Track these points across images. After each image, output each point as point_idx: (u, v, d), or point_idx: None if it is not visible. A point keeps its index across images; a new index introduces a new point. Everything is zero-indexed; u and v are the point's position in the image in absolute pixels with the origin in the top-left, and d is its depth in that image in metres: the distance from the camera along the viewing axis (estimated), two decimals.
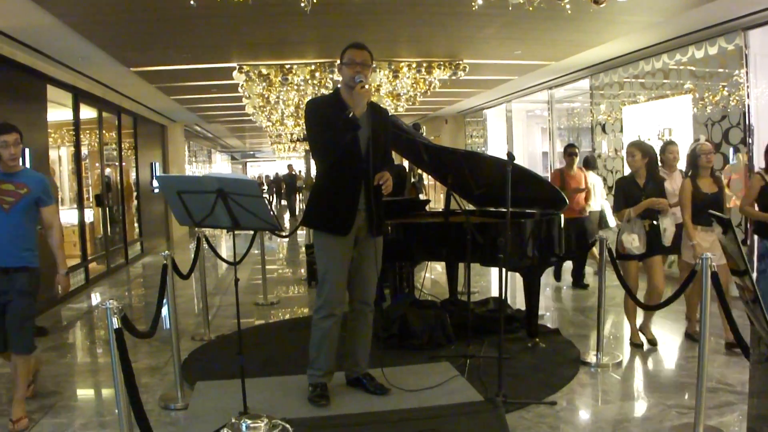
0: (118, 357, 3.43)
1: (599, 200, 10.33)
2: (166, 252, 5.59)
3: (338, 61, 5.04)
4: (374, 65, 10.67)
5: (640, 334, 6.77)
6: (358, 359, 5.24)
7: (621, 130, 11.83)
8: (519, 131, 18.08)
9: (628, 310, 6.72)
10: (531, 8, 6.22)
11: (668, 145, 7.42)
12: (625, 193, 6.49)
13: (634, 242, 6.24)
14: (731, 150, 8.97)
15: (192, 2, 5.74)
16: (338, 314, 4.96)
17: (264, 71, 10.76)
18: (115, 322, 3.47)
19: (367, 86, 4.79)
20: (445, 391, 5.22)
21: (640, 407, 5.13)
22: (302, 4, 5.78)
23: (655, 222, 6.39)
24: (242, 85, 11.40)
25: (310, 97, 12.08)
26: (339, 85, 5.09)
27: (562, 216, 6.97)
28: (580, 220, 9.49)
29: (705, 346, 4.35)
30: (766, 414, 3.41)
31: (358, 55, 4.83)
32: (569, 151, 9.65)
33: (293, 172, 30.72)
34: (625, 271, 6.41)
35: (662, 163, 7.19)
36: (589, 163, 10.55)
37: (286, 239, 18.33)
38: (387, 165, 5.01)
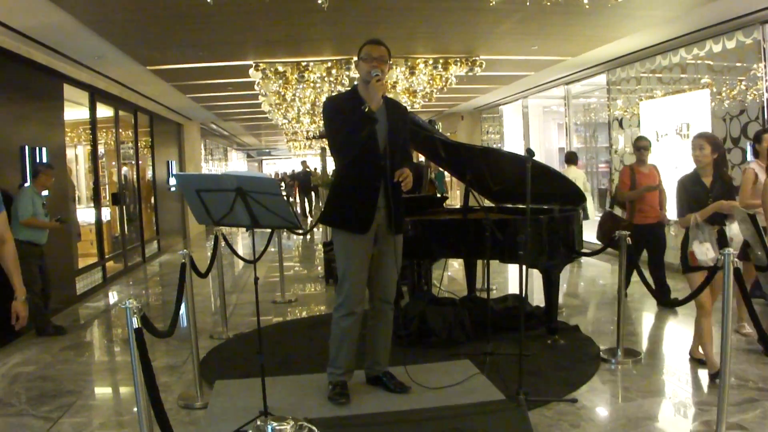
0: (138, 357, 3.41)
1: None
2: (185, 250, 5.58)
3: (355, 58, 5.03)
4: (391, 62, 10.72)
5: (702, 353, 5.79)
6: (378, 357, 5.23)
7: (638, 126, 11.74)
8: (535, 127, 18.00)
9: (702, 331, 5.63)
10: (548, 3, 6.17)
11: (765, 134, 6.67)
12: (689, 195, 5.50)
13: (708, 253, 5.25)
14: (749, 145, 8.89)
15: (209, 0, 5.72)
16: (358, 312, 4.95)
17: (280, 69, 10.75)
18: (135, 322, 3.46)
19: (382, 80, 4.77)
20: (466, 389, 5.20)
21: (662, 404, 5.09)
22: (319, 1, 5.76)
23: (723, 227, 5.50)
24: (258, 82, 11.40)
25: (326, 95, 12.14)
26: (356, 82, 5.07)
27: (581, 212, 6.94)
28: (656, 228, 8.06)
29: (728, 342, 4.31)
30: None
31: (375, 50, 4.82)
32: (639, 145, 8.19)
33: (308, 169, 29.34)
34: (693, 285, 5.42)
35: (756, 154, 6.73)
36: (570, 159, 11.01)
37: (302, 237, 18.38)
38: (406, 162, 4.99)
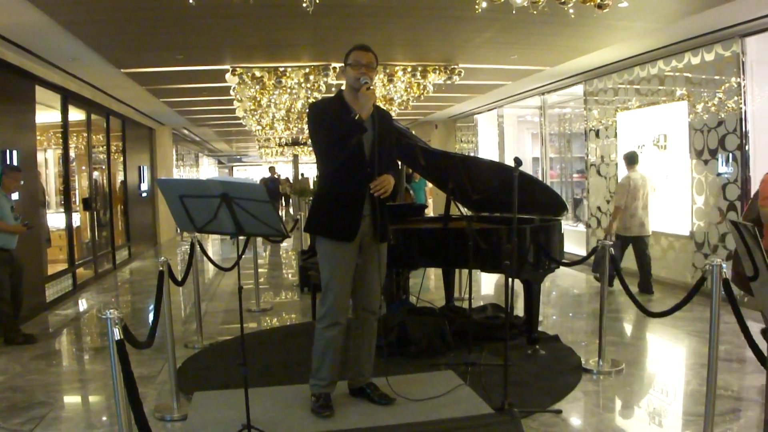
0: (120, 370, 3.29)
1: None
2: (163, 258, 5.47)
3: (339, 64, 4.96)
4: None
5: None
6: (362, 368, 5.13)
7: (615, 136, 11.77)
8: (510, 137, 18.02)
9: None
10: (534, 12, 6.13)
11: None
12: None
13: None
14: (720, 157, 8.95)
15: (191, 1, 5.61)
16: (342, 323, 4.85)
17: (257, 73, 10.65)
18: (117, 333, 3.34)
19: (372, 88, 4.70)
20: (451, 400, 5.11)
21: (648, 415, 5.05)
22: (304, 5, 5.67)
23: None
24: (234, 87, 11.29)
25: (301, 101, 12.07)
26: (342, 88, 5.00)
27: (562, 222, 6.91)
28: None
29: (715, 352, 4.27)
30: None
31: (364, 56, 4.74)
32: None
33: (275, 176, 28.10)
34: None
35: None
36: (633, 160, 9.84)
37: (275, 245, 18.24)
38: (392, 170, 4.92)
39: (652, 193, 9.87)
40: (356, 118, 4.58)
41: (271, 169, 28.16)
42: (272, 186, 26.07)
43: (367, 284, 4.98)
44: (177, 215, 4.19)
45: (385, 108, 12.51)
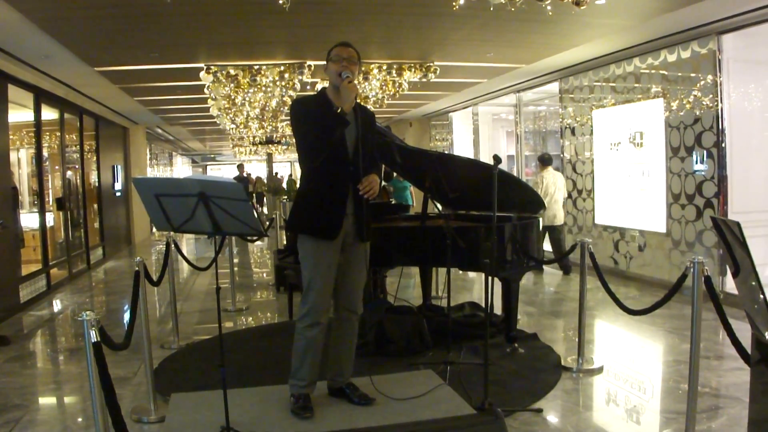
0: (97, 372, 3.23)
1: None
2: (139, 258, 5.39)
3: (315, 62, 4.94)
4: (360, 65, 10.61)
5: None
6: (342, 369, 5.08)
7: (591, 134, 11.80)
8: (485, 135, 18.04)
9: None
10: (512, 9, 6.12)
11: None
12: None
13: None
14: (694, 154, 8.99)
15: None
16: (324, 323, 4.81)
17: (232, 72, 10.58)
18: (94, 335, 3.28)
19: (353, 82, 4.67)
20: (432, 400, 5.08)
21: (628, 413, 5.04)
22: (280, 2, 5.62)
23: None
24: (209, 86, 11.20)
25: (276, 99, 12.01)
26: (325, 85, 4.98)
27: (540, 220, 6.90)
28: None
29: (697, 349, 4.28)
30: (766, 418, 3.32)
31: (344, 51, 4.74)
32: None
33: (244, 174, 26.26)
34: None
35: None
36: (547, 161, 11.59)
37: (250, 243, 18.15)
38: (375, 168, 4.88)
39: (562, 189, 11.72)
40: (338, 111, 4.57)
41: (240, 167, 26.32)
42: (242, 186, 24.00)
43: (349, 283, 4.94)
44: (154, 215, 4.12)
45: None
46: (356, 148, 4.74)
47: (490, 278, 5.40)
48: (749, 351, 3.62)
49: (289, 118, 5.34)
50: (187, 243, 19.56)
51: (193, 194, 3.90)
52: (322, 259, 4.73)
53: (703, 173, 8.98)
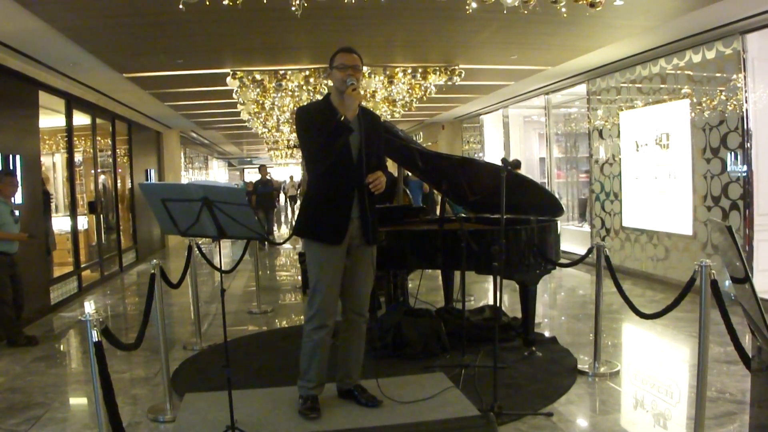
0: (98, 371, 3.31)
1: None
2: (155, 261, 5.48)
3: (328, 67, 4.97)
4: (369, 70, 10.66)
5: None
6: (350, 371, 5.13)
7: (618, 136, 11.74)
8: (516, 137, 17.97)
9: None
10: (525, 12, 6.13)
11: None
12: None
13: None
14: (730, 155, 8.89)
15: (181, 6, 5.63)
16: (330, 325, 4.85)
17: (258, 77, 10.67)
18: (95, 335, 3.36)
19: (358, 89, 4.71)
20: (439, 402, 5.11)
21: (639, 417, 5.03)
22: (293, 8, 5.69)
23: None
24: (236, 91, 11.32)
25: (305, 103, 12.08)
26: (329, 91, 5.02)
27: (558, 222, 6.88)
28: None
29: (705, 355, 4.26)
30: (766, 424, 3.31)
31: (349, 59, 4.76)
32: None
33: (266, 177, 19.82)
34: None
35: None
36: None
37: (280, 247, 18.25)
38: (381, 169, 4.92)
39: None
40: (341, 119, 4.60)
41: (262, 169, 20.21)
42: (263, 190, 18.92)
43: (356, 287, 4.98)
44: (161, 219, 4.22)
45: (388, 109, 12.63)
46: (360, 153, 4.77)
47: (501, 280, 5.40)
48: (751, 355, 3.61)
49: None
50: (224, 246, 19.66)
51: (197, 199, 3.97)
52: (328, 263, 4.79)
53: (738, 174, 8.86)
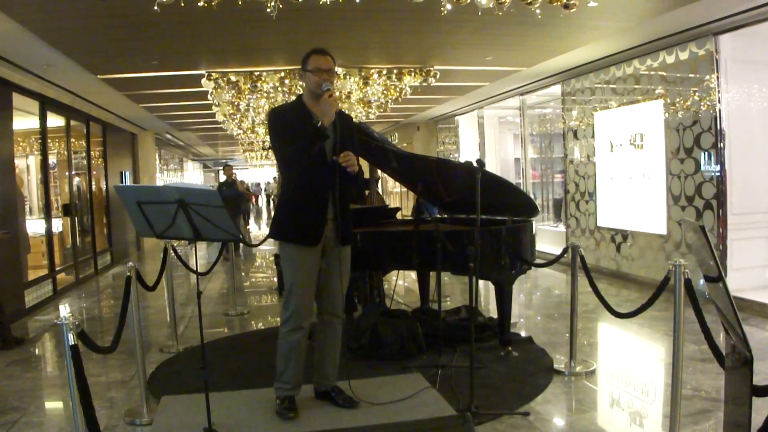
0: (74, 374, 3.30)
1: None
2: (131, 263, 5.46)
3: (300, 68, 4.95)
4: (344, 71, 10.67)
5: None
6: (326, 372, 5.13)
7: (593, 136, 11.81)
8: (491, 138, 18.04)
9: None
10: (500, 13, 6.16)
11: None
12: None
13: None
14: (703, 155, 8.97)
15: (156, 8, 5.61)
16: (306, 327, 4.86)
17: (233, 78, 10.64)
18: (71, 339, 3.35)
19: (334, 95, 4.70)
20: (416, 403, 5.12)
21: (615, 416, 5.06)
22: (268, 10, 5.69)
23: None
24: (211, 92, 11.28)
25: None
26: (301, 92, 5.01)
27: (533, 222, 6.92)
28: None
29: (680, 353, 4.30)
30: (740, 421, 3.35)
31: (324, 62, 4.75)
32: None
33: (232, 179, 17.35)
34: None
35: None
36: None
37: (256, 248, 18.19)
38: (356, 173, 4.92)
39: None
40: (318, 125, 4.58)
41: (227, 170, 17.74)
42: (228, 194, 16.10)
43: (331, 288, 4.98)
44: (137, 221, 4.21)
45: (363, 110, 12.63)
46: (335, 154, 4.75)
47: (476, 281, 5.42)
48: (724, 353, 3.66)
49: None
50: (200, 248, 19.57)
51: (173, 201, 3.97)
52: (303, 264, 4.79)
53: (711, 173, 8.95)
